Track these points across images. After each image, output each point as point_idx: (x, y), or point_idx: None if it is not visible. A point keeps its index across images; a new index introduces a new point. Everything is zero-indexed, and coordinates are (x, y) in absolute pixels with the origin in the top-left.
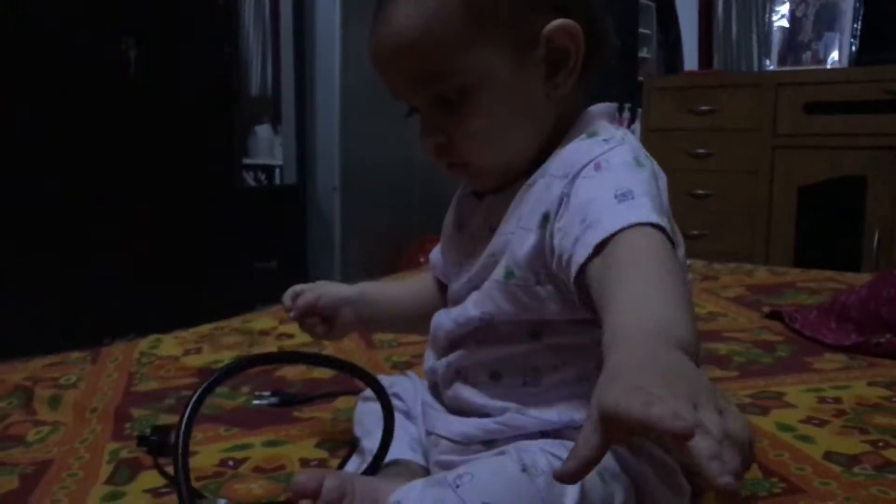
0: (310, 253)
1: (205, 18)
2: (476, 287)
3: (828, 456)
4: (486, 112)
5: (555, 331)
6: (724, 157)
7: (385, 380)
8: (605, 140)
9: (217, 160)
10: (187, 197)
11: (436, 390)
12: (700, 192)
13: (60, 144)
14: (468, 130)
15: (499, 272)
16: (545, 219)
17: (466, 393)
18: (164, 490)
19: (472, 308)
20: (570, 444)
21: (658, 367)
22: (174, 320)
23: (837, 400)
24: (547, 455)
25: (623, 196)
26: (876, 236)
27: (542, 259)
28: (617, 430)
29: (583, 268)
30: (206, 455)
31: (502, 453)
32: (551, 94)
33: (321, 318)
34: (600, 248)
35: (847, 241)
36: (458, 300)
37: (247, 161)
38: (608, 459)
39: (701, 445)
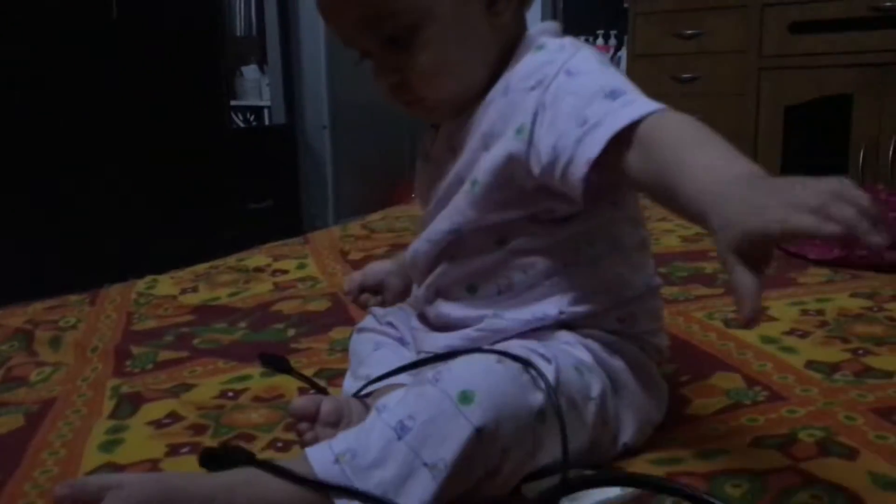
0: (303, 191)
1: None
2: (444, 206)
3: (809, 365)
4: (433, 47)
5: (519, 235)
6: (711, 81)
7: (378, 311)
8: (560, 48)
9: (205, 102)
10: (176, 140)
11: (423, 317)
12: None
13: (48, 89)
14: (418, 66)
15: (465, 186)
16: (520, 130)
17: (446, 308)
18: (166, 421)
19: (441, 223)
20: (546, 339)
21: (766, 191)
22: (172, 264)
23: (820, 312)
24: (526, 349)
25: (613, 94)
26: (861, 153)
27: (514, 167)
28: (762, 252)
29: (596, 162)
30: (206, 388)
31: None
32: (493, 22)
33: (373, 293)
34: (621, 139)
35: (833, 160)
36: (429, 220)
37: (235, 103)
38: (583, 354)
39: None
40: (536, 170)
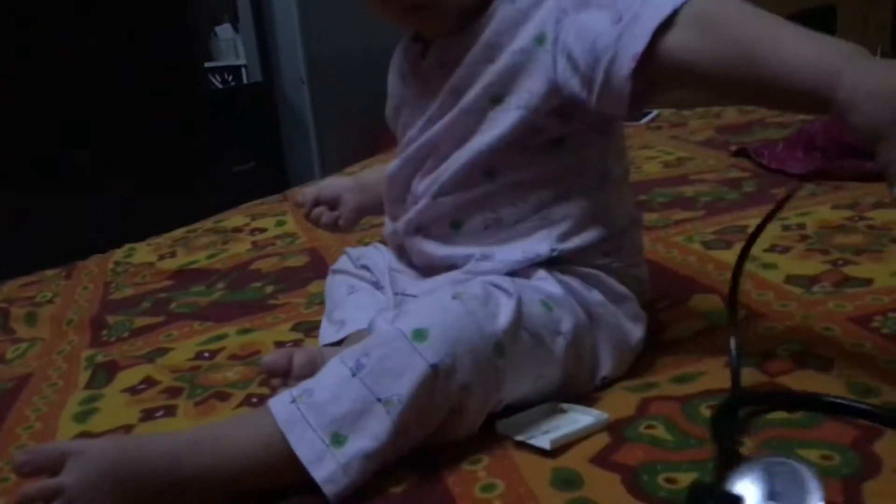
0: (286, 150)
1: None
2: (433, 124)
3: (789, 279)
4: None
5: (509, 167)
6: None
7: (353, 252)
8: None
9: (178, 66)
10: (151, 108)
11: (402, 253)
12: None
13: (12, 58)
14: None
15: (470, 99)
16: (540, 39)
17: (429, 247)
18: (141, 386)
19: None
20: (518, 279)
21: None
22: (157, 232)
23: (801, 226)
24: (486, 285)
25: None
26: None
27: (538, 79)
28: None
29: (643, 57)
30: (181, 350)
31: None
32: None
33: (328, 208)
34: (667, 27)
35: None
36: (412, 141)
37: (212, 64)
38: (556, 289)
39: None
40: (572, 81)
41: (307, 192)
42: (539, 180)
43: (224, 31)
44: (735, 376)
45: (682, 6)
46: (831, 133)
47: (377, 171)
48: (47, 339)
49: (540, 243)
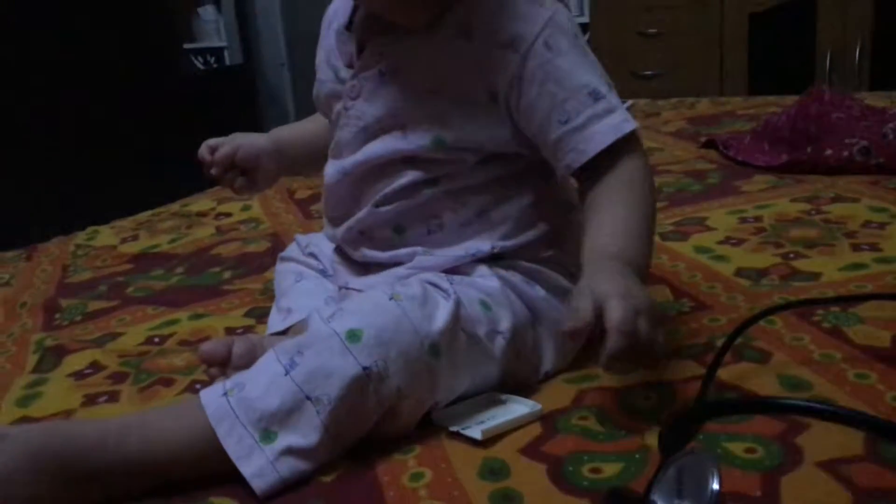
0: (265, 132)
1: None
2: (374, 137)
3: (739, 272)
4: None
5: (451, 175)
6: None
7: (301, 239)
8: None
9: (158, 47)
10: (130, 87)
11: (341, 250)
12: (651, 31)
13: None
14: None
15: (419, 138)
16: (493, 96)
17: (372, 254)
18: (87, 371)
19: (368, 153)
20: (458, 277)
21: (620, 282)
22: (129, 211)
23: (758, 219)
24: (424, 284)
25: (595, 95)
26: (828, 58)
27: (492, 130)
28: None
29: (576, 171)
30: (132, 335)
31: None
32: None
33: (241, 171)
34: (594, 159)
35: (800, 65)
36: (347, 146)
37: (194, 45)
38: (493, 283)
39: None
40: (523, 130)
41: (220, 149)
42: (481, 186)
43: (206, 12)
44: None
45: (617, 142)
46: (796, 125)
47: (295, 130)
48: (0, 322)
49: (482, 243)
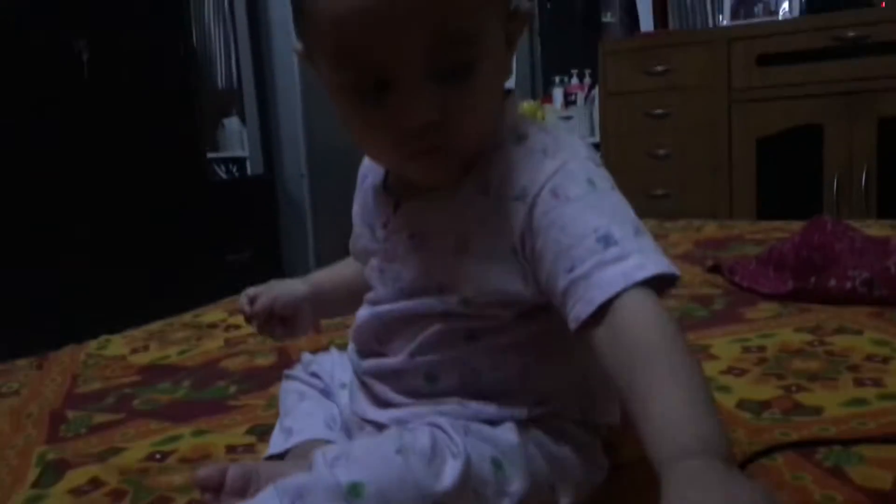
0: (283, 241)
1: (157, 16)
2: (409, 296)
3: (741, 404)
4: (487, 86)
5: (493, 332)
6: (682, 116)
7: (306, 357)
8: (542, 149)
9: (182, 155)
10: (154, 194)
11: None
12: (661, 151)
13: (22, 149)
14: (472, 106)
15: (451, 297)
16: (514, 251)
17: (398, 399)
18: (86, 488)
19: (405, 309)
20: (476, 427)
21: (718, 491)
22: (148, 319)
23: (761, 348)
24: (434, 435)
25: (605, 240)
26: (835, 182)
27: (517, 285)
28: None
29: (584, 323)
30: (134, 450)
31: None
32: (509, 62)
33: (279, 319)
34: (602, 309)
35: (808, 190)
36: (384, 302)
37: (218, 154)
38: (513, 438)
39: None
40: (538, 287)
41: (258, 300)
42: (522, 343)
43: (231, 123)
44: None
45: (625, 290)
46: (801, 253)
47: (332, 275)
48: (5, 432)
49: (518, 406)
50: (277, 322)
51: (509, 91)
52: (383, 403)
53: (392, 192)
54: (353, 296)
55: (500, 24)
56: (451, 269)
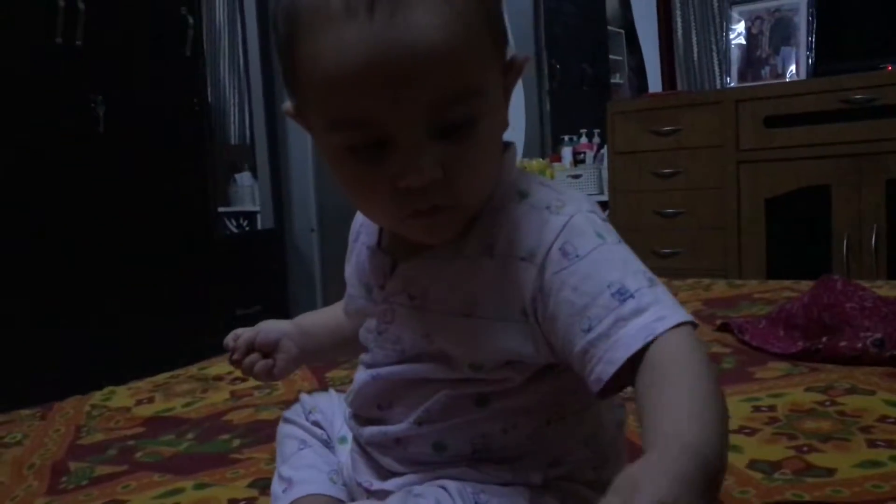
0: (291, 296)
1: (173, 72)
2: (411, 360)
3: (751, 464)
4: (487, 142)
5: (504, 395)
6: (691, 175)
7: (307, 401)
8: (547, 209)
9: (193, 208)
10: (164, 247)
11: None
12: (669, 210)
13: (38, 199)
14: (472, 163)
15: (457, 362)
16: (524, 313)
17: (403, 470)
18: None
19: (406, 371)
20: (484, 493)
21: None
22: (155, 372)
23: (772, 408)
24: (438, 494)
25: (620, 294)
26: (845, 243)
27: (528, 347)
28: None
29: (606, 386)
30: (136, 503)
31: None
32: (506, 116)
33: (263, 355)
34: (628, 363)
35: (817, 250)
36: (384, 364)
37: (229, 209)
38: (522, 501)
39: None
40: (553, 348)
41: (242, 335)
42: (533, 405)
43: (243, 178)
44: None
45: (650, 344)
46: (811, 313)
47: (319, 317)
48: (6, 483)
49: (531, 470)
50: (259, 357)
51: (508, 144)
52: (387, 474)
53: (388, 251)
54: (339, 338)
55: (498, 77)
56: (457, 332)
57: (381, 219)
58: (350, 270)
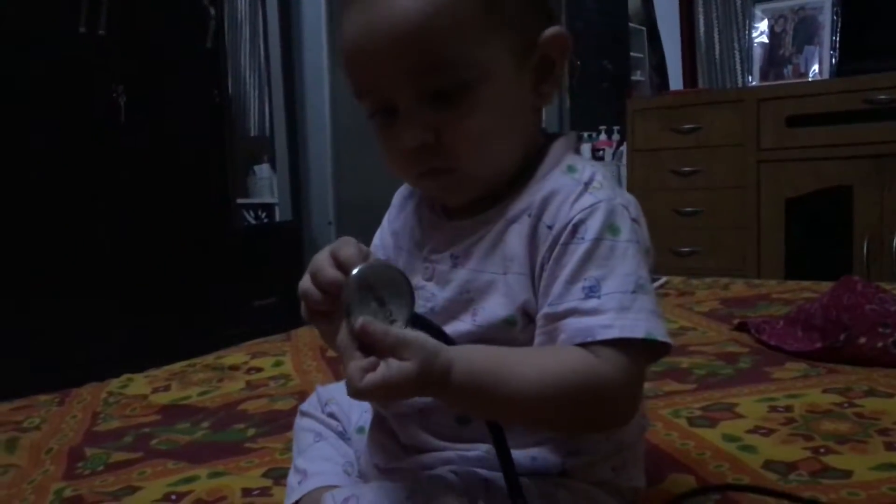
0: None
1: (192, 65)
2: (441, 321)
3: (767, 465)
4: (487, 111)
5: None
6: (711, 174)
7: (323, 393)
8: (586, 184)
9: (212, 200)
10: (183, 237)
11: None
12: (689, 209)
13: (60, 187)
14: (467, 129)
15: (487, 314)
16: (542, 268)
17: (428, 440)
18: None
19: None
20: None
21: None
22: (172, 361)
23: (788, 408)
24: (448, 476)
25: (591, 290)
26: (865, 244)
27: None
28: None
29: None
30: (150, 490)
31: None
32: (535, 104)
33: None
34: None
35: (837, 251)
36: None
37: (248, 200)
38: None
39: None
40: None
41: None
42: None
43: (262, 170)
44: None
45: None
46: (829, 314)
47: None
48: (23, 467)
49: (551, 454)
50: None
51: (556, 134)
52: (407, 449)
53: (440, 212)
54: None
55: (506, 51)
56: (491, 290)
57: (404, 178)
58: (393, 221)
